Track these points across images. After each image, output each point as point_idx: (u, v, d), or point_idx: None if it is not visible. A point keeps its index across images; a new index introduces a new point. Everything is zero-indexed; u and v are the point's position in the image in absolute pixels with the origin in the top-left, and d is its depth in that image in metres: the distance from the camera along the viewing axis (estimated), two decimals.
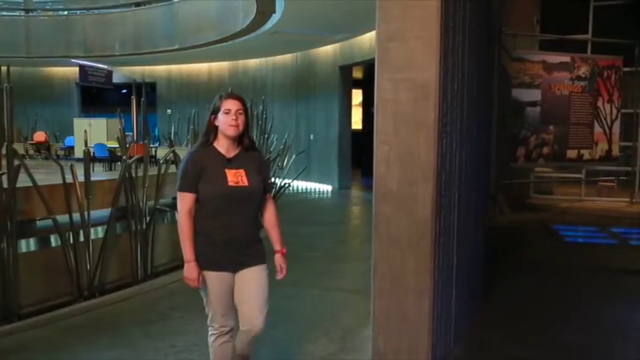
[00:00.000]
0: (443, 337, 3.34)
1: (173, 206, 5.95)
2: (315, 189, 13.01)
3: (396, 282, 3.10)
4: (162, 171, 5.57)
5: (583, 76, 9.25)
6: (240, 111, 2.59)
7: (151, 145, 7.54)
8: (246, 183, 2.59)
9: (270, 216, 2.80)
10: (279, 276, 2.80)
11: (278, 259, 2.81)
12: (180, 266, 5.89)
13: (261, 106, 8.50)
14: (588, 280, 5.50)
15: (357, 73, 14.46)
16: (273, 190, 8.60)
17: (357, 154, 13.34)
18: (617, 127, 9.57)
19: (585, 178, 11.19)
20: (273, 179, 8.54)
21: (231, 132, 2.58)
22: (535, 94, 8.90)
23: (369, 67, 12.04)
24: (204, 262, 2.60)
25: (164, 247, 5.72)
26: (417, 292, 3.06)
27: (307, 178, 12.95)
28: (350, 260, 6.33)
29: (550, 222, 8.63)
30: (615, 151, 9.65)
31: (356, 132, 13.91)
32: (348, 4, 8.77)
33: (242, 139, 2.66)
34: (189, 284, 2.63)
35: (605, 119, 9.48)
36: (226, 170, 2.58)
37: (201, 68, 16.46)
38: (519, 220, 8.77)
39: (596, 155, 9.51)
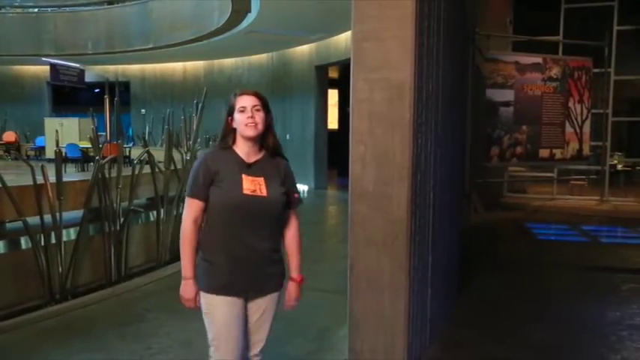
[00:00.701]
0: (418, 336, 3.36)
1: (147, 207, 5.89)
2: None
3: (372, 281, 3.11)
4: (137, 171, 5.50)
5: (554, 76, 9.41)
6: (258, 107, 2.25)
7: (125, 146, 7.44)
8: (264, 193, 2.22)
9: (291, 236, 2.42)
10: (287, 305, 2.49)
11: (291, 287, 2.46)
12: (155, 267, 5.86)
13: None
14: (560, 277, 5.60)
15: (333, 73, 14.48)
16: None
17: (333, 153, 13.36)
18: (587, 127, 9.76)
19: (557, 177, 11.40)
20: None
21: (250, 132, 2.23)
22: (508, 95, 9.02)
23: (344, 67, 12.07)
24: (208, 284, 2.25)
25: (138, 249, 5.66)
26: (393, 291, 3.07)
27: None
28: (326, 260, 6.34)
29: (523, 220, 8.77)
30: (586, 151, 9.84)
31: (332, 132, 13.93)
32: (324, 4, 8.78)
33: (265, 141, 2.31)
34: (184, 304, 2.32)
35: (576, 119, 9.66)
36: (243, 176, 2.23)
37: (175, 67, 16.30)
38: (493, 219, 8.89)
39: (568, 155, 9.68)
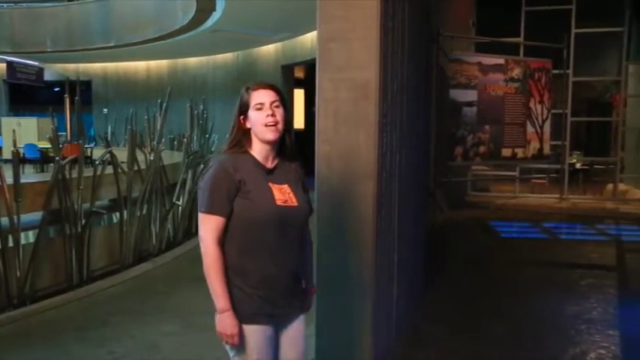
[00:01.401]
0: (385, 334, 3.39)
1: (110, 208, 5.78)
2: None
3: (338, 280, 3.11)
4: (99, 172, 5.38)
5: (516, 77, 9.62)
6: (277, 103, 1.94)
7: (87, 146, 7.27)
8: (294, 202, 1.95)
9: (306, 245, 2.11)
10: None
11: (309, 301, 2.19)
12: (119, 270, 5.76)
13: (201, 106, 8.36)
14: (522, 273, 5.72)
15: (299, 73, 14.48)
16: None
17: (300, 153, 13.33)
18: (547, 127, 10.01)
19: (519, 175, 11.66)
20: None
21: (270, 135, 1.92)
22: (471, 95, 9.17)
23: (310, 66, 12.08)
24: (238, 313, 1.90)
25: (101, 251, 5.54)
26: (359, 289, 3.09)
27: None
28: None
29: (487, 218, 8.93)
30: (546, 150, 10.09)
31: (298, 131, 13.85)
32: (289, 4, 8.77)
33: (282, 142, 2.00)
34: (226, 341, 1.92)
35: (537, 119, 9.89)
36: (270, 185, 1.93)
37: (139, 66, 16.03)
38: (458, 217, 9.03)
39: (529, 154, 9.91)
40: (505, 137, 9.60)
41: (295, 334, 2.06)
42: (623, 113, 11.83)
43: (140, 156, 6.04)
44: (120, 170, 5.66)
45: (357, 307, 3.11)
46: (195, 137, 7.82)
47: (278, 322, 2.00)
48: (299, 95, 14.99)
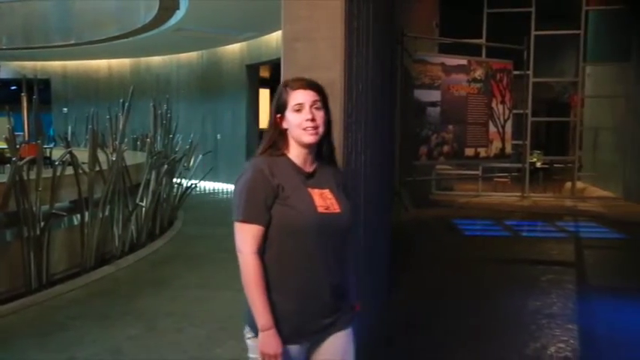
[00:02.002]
0: None
1: (71, 210, 5.64)
2: (222, 189, 12.82)
3: None
4: (58, 173, 5.24)
5: (478, 78, 9.80)
6: (318, 104, 1.78)
7: (46, 146, 7.08)
8: (337, 209, 1.78)
9: (348, 254, 1.93)
10: None
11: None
12: (79, 273, 5.62)
13: (165, 105, 8.24)
14: (485, 270, 5.84)
15: (265, 73, 14.40)
16: (181, 192, 8.37)
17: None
18: (509, 127, 10.23)
19: (482, 174, 11.89)
20: (183, 182, 8.32)
21: (309, 138, 1.76)
22: (435, 95, 9.30)
23: (276, 66, 12.05)
24: (284, 332, 1.73)
25: (61, 254, 5.40)
26: None
27: (214, 179, 12.73)
28: None
29: (451, 217, 9.07)
30: (508, 149, 10.32)
31: (264, 131, 13.84)
32: (254, 4, 8.72)
33: (320, 145, 1.84)
34: None
35: (499, 119, 10.11)
36: (309, 190, 1.77)
37: (100, 65, 15.69)
38: (422, 216, 9.14)
39: (491, 153, 10.12)
40: (468, 137, 9.78)
41: (340, 346, 1.85)
42: (580, 113, 12.19)
43: (102, 156, 5.92)
44: (81, 171, 5.53)
45: None
46: (158, 137, 7.70)
47: (315, 340, 1.82)
48: (264, 95, 14.93)
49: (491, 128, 10.00)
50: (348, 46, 3.11)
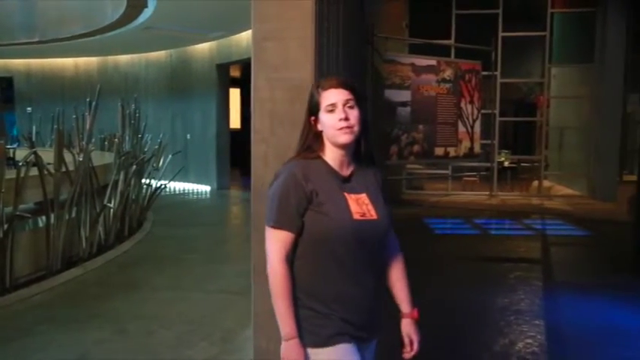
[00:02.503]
0: None
1: (36, 212, 5.51)
2: (192, 190, 12.69)
3: None
4: (22, 174, 5.11)
5: (448, 78, 9.91)
6: (351, 103, 1.71)
7: (9, 146, 6.89)
8: (373, 215, 1.72)
9: (397, 261, 1.94)
10: (408, 354, 1.88)
11: (406, 326, 1.89)
12: (45, 277, 5.49)
13: (133, 105, 8.12)
14: (455, 268, 5.91)
15: (235, 72, 14.31)
16: (150, 192, 8.26)
17: (236, 153, 13.22)
18: (477, 127, 10.38)
19: (451, 173, 12.04)
20: (153, 182, 8.20)
21: (344, 138, 1.69)
22: (405, 95, 9.37)
23: (246, 65, 11.97)
24: (316, 338, 1.69)
25: (26, 257, 5.27)
26: None
27: (184, 179, 12.61)
28: (230, 261, 6.26)
29: (421, 216, 9.16)
30: (477, 149, 10.46)
31: (235, 131, 13.77)
32: (224, 2, 8.65)
33: (357, 146, 1.77)
34: None
35: (468, 119, 10.24)
36: (345, 195, 1.71)
37: (66, 63, 15.35)
38: (393, 215, 9.18)
39: (461, 152, 10.24)
40: (438, 136, 9.88)
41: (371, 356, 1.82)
42: (546, 113, 12.44)
43: (68, 157, 5.79)
44: (46, 172, 5.41)
45: None
46: (127, 137, 7.58)
47: (362, 342, 1.76)
48: (235, 95, 14.83)
49: (461, 128, 10.13)
50: (319, 46, 3.11)
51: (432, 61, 9.78)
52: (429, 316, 4.34)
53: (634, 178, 7.00)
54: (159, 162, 8.57)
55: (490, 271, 5.79)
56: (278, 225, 1.68)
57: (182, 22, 10.63)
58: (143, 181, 7.94)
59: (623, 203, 9.07)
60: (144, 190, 8.05)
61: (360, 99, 1.73)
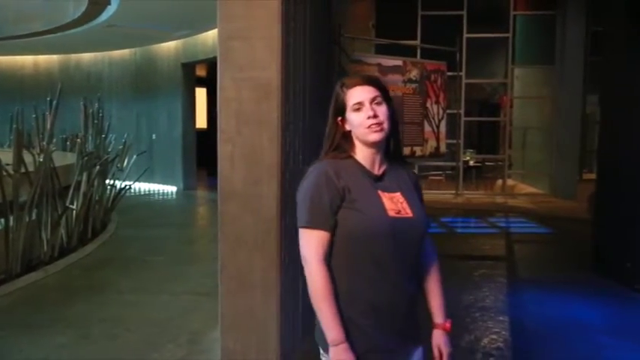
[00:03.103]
0: (291, 331, 3.40)
1: None
2: (158, 190, 12.51)
3: (243, 281, 3.09)
4: None
5: (414, 78, 10.00)
6: (378, 99, 1.65)
7: None
8: (409, 213, 1.65)
9: (432, 268, 1.82)
10: None
11: (437, 337, 1.78)
12: (5, 280, 5.33)
13: (96, 104, 7.95)
14: None
15: (201, 71, 14.17)
16: (113, 193, 8.11)
17: (203, 153, 13.10)
18: (443, 126, 10.51)
19: (418, 173, 12.16)
20: (117, 183, 8.06)
21: (375, 136, 1.64)
22: None
23: (212, 65, 11.87)
24: (358, 350, 1.59)
25: None
26: (264, 290, 3.08)
27: (150, 180, 12.42)
28: (196, 262, 6.19)
29: None
30: (442, 148, 10.58)
31: (201, 131, 13.64)
32: (190, 0, 8.56)
33: (392, 143, 1.74)
34: None
35: (434, 119, 10.35)
36: (379, 193, 1.64)
37: (25, 61, 14.94)
38: None
39: (427, 152, 10.34)
40: (404, 136, 9.96)
41: None
42: (509, 113, 12.70)
43: (28, 157, 5.64)
44: (5, 173, 5.25)
45: (263, 307, 3.10)
46: (90, 137, 7.42)
47: (393, 355, 1.67)
48: (201, 94, 14.69)
49: (427, 128, 10.24)
50: (285, 46, 3.10)
51: (399, 62, 9.86)
52: None
53: (593, 176, 7.21)
54: (123, 162, 8.41)
55: (455, 269, 5.87)
56: (312, 225, 1.60)
57: (147, 20, 10.47)
58: (107, 181, 7.79)
59: (583, 201, 9.33)
60: (108, 191, 7.90)
61: (386, 95, 1.68)
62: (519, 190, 12.27)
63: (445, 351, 1.74)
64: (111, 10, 9.53)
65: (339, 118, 1.69)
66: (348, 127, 1.68)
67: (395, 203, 1.64)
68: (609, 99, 5.74)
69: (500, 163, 13.09)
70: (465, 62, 11.36)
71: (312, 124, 3.92)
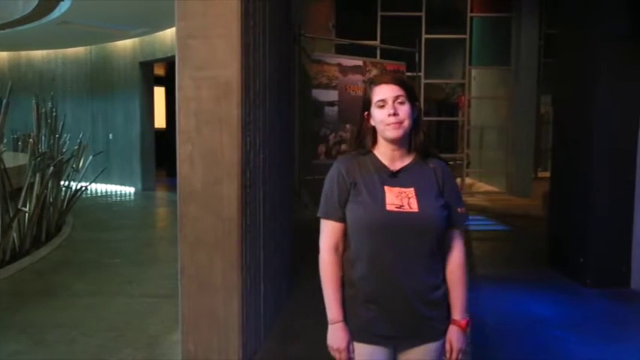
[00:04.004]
0: (253, 333, 3.38)
1: None
2: (116, 191, 12.24)
3: (204, 282, 3.06)
4: None
5: None
6: (401, 99, 1.74)
7: None
8: (414, 208, 1.71)
9: (454, 265, 1.82)
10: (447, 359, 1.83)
11: (452, 333, 1.80)
12: None
13: (50, 103, 7.72)
14: None
15: (159, 70, 13.93)
16: (68, 197, 7.89)
17: (162, 153, 12.88)
18: None
19: None
20: (72, 184, 7.84)
21: (392, 133, 1.74)
22: (333, 95, 9.47)
23: (171, 64, 11.68)
24: (352, 328, 1.76)
25: None
26: (226, 290, 3.05)
27: (107, 181, 12.14)
28: (156, 264, 6.08)
29: None
30: None
31: (160, 131, 13.41)
32: None
33: (413, 140, 1.81)
34: (334, 355, 1.76)
35: None
36: (386, 188, 1.74)
37: None
38: None
39: None
40: None
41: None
42: (467, 113, 12.95)
43: None
44: None
45: (224, 308, 3.07)
46: (43, 137, 7.20)
47: (397, 346, 1.77)
48: (159, 93, 14.45)
49: None
50: (245, 45, 3.08)
51: (359, 62, 9.94)
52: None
53: (548, 174, 7.43)
54: (79, 163, 8.19)
55: None
56: (324, 215, 1.80)
57: (102, 18, 10.22)
58: (62, 183, 7.57)
59: (537, 199, 9.60)
60: (63, 193, 7.68)
61: (411, 95, 1.77)
62: (477, 188, 12.52)
63: (455, 347, 1.79)
64: (64, 6, 9.27)
65: (365, 113, 1.82)
66: (372, 123, 1.80)
67: (400, 198, 1.73)
68: (561, 99, 5.92)
69: (458, 162, 13.32)
70: (423, 63, 11.52)
71: (273, 123, 3.91)
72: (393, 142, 1.77)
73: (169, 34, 11.00)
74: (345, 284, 1.78)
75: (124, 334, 3.95)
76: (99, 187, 12.24)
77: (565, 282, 5.32)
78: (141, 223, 8.91)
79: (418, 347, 1.77)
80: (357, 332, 1.75)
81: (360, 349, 1.75)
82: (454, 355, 1.79)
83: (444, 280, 1.81)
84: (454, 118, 15.00)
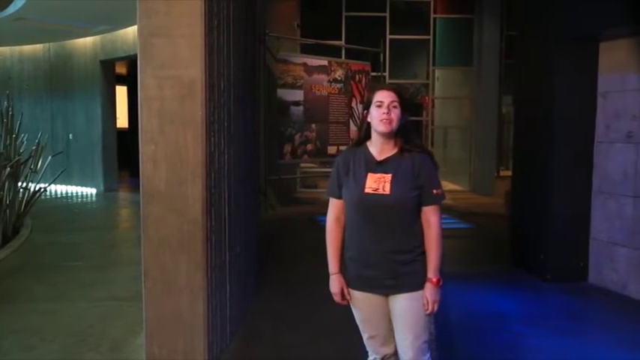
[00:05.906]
0: (219, 334, 3.36)
1: None
2: (76, 192, 11.96)
3: (169, 284, 3.02)
4: None
5: (339, 78, 10.14)
6: (395, 104, 2.24)
7: None
8: (387, 191, 2.20)
9: (428, 236, 2.28)
10: (427, 312, 2.29)
11: (426, 289, 2.27)
12: None
13: (6, 102, 7.49)
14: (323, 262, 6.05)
15: (121, 69, 13.66)
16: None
17: (125, 153, 12.64)
18: None
19: None
20: (31, 186, 7.61)
21: (382, 128, 2.23)
22: (298, 95, 9.47)
23: (133, 62, 11.47)
24: (349, 279, 2.38)
25: None
26: (191, 292, 3.02)
27: (67, 182, 11.86)
28: (119, 266, 5.97)
29: (314, 213, 9.28)
30: None
31: (122, 130, 13.16)
32: None
33: (400, 137, 2.28)
34: (334, 298, 2.43)
35: (359, 118, 10.54)
36: (369, 175, 2.25)
37: None
38: (288, 214, 9.27)
39: None
40: (330, 135, 10.09)
41: (403, 305, 2.28)
42: (431, 113, 13.12)
43: None
44: None
45: (189, 310, 3.04)
46: None
47: (386, 294, 2.30)
48: (121, 92, 14.18)
49: (352, 127, 10.41)
50: (209, 44, 3.05)
51: (324, 62, 9.96)
52: (327, 313, 4.42)
53: (510, 173, 7.59)
54: (37, 164, 7.97)
55: None
56: (329, 195, 2.39)
57: (61, 14, 9.96)
58: (19, 184, 7.35)
59: (500, 197, 9.80)
60: (20, 195, 7.46)
61: (404, 104, 2.26)
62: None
63: (430, 300, 2.25)
64: (19, 2, 9.00)
65: (365, 112, 2.31)
66: (369, 119, 2.29)
67: (378, 183, 2.22)
68: (522, 99, 6.06)
69: None
70: (388, 63, 11.62)
71: (237, 123, 3.89)
72: (382, 135, 2.25)
73: (131, 32, 10.81)
74: (345, 247, 2.36)
75: (86, 338, 3.86)
76: (59, 189, 11.94)
77: (526, 278, 5.44)
78: (103, 225, 8.72)
79: (403, 294, 2.27)
80: (351, 282, 2.35)
81: (356, 294, 2.36)
82: (430, 306, 2.26)
83: (419, 245, 2.27)
84: (418, 118, 15.16)
